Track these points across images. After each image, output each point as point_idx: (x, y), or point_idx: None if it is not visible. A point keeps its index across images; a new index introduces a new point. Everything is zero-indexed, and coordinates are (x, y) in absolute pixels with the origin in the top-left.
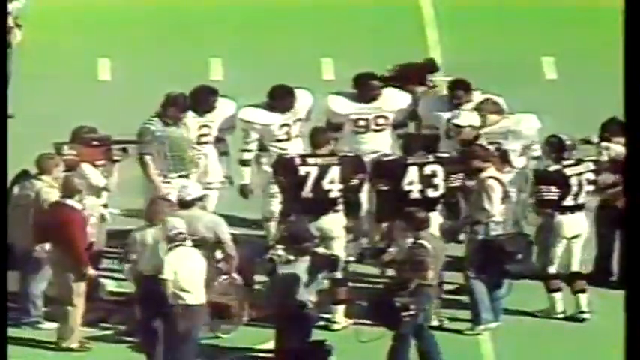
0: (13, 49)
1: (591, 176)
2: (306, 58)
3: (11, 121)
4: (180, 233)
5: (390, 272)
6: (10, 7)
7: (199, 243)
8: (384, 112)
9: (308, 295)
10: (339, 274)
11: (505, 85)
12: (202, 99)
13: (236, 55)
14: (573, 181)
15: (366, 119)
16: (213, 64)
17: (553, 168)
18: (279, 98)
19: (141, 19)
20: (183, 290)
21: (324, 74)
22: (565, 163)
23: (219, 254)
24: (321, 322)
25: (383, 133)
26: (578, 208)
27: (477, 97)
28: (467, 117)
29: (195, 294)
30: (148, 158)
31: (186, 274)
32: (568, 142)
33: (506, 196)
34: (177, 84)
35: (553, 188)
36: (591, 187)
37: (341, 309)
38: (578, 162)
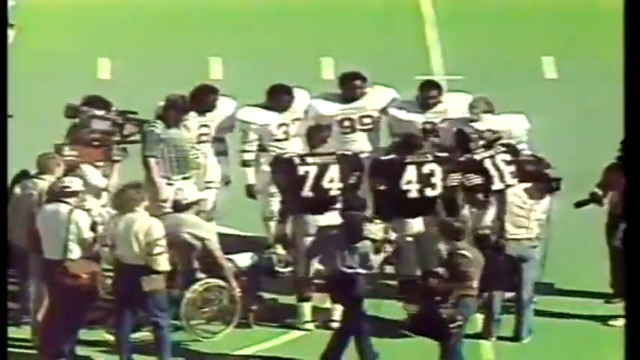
0: (7, 50)
1: (507, 157)
2: (306, 57)
3: (11, 120)
4: (67, 187)
5: (389, 271)
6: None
7: (181, 246)
8: (369, 111)
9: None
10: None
11: (505, 85)
12: (203, 98)
13: (236, 54)
14: (487, 164)
15: (351, 119)
16: (213, 63)
17: (463, 157)
18: (277, 97)
19: (140, 18)
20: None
21: (323, 73)
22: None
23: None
24: (320, 322)
25: (370, 133)
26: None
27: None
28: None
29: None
30: (152, 161)
31: (45, 229)
32: (473, 135)
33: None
34: (177, 83)
35: (472, 175)
36: (513, 168)
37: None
38: (487, 146)
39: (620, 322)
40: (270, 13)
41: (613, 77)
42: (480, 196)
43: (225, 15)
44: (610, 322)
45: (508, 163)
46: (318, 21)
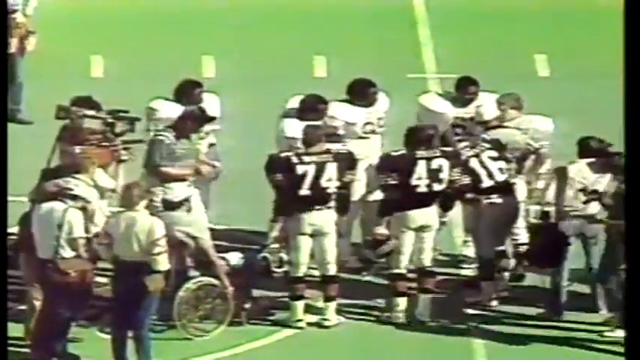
0: (26, 56)
1: (493, 154)
2: (299, 56)
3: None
4: (69, 189)
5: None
6: (20, 17)
7: (174, 245)
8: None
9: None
10: (332, 272)
11: (498, 83)
12: (189, 92)
13: (228, 52)
14: (473, 163)
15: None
16: (205, 62)
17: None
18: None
19: (133, 17)
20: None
21: (316, 72)
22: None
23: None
24: (313, 320)
25: (373, 139)
26: (501, 188)
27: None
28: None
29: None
30: (164, 169)
31: (39, 228)
32: (452, 136)
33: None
34: (169, 81)
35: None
36: (501, 164)
37: (332, 306)
38: (471, 146)
39: (618, 333)
40: (263, 11)
41: (607, 75)
42: (469, 195)
43: (217, 14)
44: (606, 334)
45: (495, 159)
46: (310, 20)
